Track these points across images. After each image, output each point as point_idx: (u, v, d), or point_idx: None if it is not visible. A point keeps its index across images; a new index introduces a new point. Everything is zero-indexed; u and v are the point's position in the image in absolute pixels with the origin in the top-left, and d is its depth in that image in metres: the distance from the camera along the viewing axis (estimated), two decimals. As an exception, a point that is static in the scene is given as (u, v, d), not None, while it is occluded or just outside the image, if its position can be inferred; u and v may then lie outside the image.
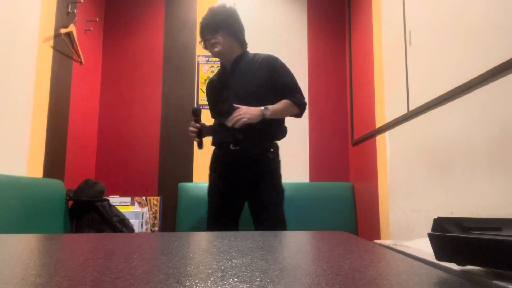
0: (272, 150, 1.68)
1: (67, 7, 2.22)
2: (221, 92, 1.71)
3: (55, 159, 2.08)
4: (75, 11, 2.28)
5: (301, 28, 2.87)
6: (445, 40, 1.39)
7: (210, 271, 0.44)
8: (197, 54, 2.80)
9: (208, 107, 1.90)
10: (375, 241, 1.37)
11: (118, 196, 2.53)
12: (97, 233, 1.74)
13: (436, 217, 0.66)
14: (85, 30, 2.47)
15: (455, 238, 0.59)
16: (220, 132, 1.68)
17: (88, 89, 2.56)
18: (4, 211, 1.45)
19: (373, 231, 2.21)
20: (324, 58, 2.86)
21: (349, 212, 2.55)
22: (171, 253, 0.56)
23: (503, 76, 1.08)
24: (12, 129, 1.71)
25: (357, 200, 2.57)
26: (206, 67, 2.79)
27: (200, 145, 1.69)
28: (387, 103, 2.00)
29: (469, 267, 0.64)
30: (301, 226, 2.40)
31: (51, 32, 2.04)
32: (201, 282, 0.38)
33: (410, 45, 1.72)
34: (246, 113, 1.51)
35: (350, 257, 0.53)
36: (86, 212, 1.85)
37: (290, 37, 2.85)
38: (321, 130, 2.78)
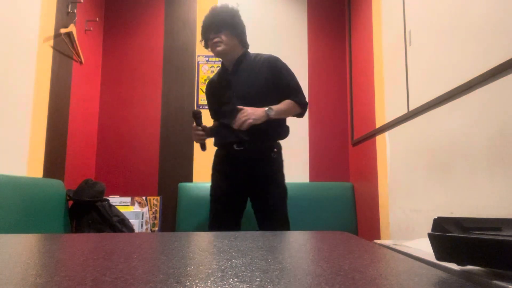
0: (275, 149, 1.69)
1: (67, 7, 2.22)
2: (223, 93, 1.70)
3: (55, 159, 2.08)
4: (75, 11, 2.28)
5: (301, 28, 2.87)
6: (445, 40, 1.39)
7: (210, 271, 0.44)
8: (197, 54, 2.80)
9: (207, 107, 1.90)
10: (375, 241, 1.37)
11: (118, 196, 2.53)
12: (97, 233, 1.74)
13: (436, 217, 0.66)
14: (85, 30, 2.48)
15: (455, 238, 0.59)
16: (223, 133, 1.67)
17: (88, 89, 2.56)
18: (4, 211, 1.45)
19: (373, 231, 2.21)
20: (324, 58, 2.86)
21: (349, 212, 2.55)
22: (171, 253, 0.56)
23: (503, 76, 1.08)
24: (12, 129, 1.71)
25: (357, 200, 2.57)
26: (206, 67, 2.79)
27: (204, 147, 1.68)
28: (387, 103, 2.00)
29: (469, 267, 0.64)
30: (301, 226, 2.40)
31: (51, 32, 2.04)
32: (201, 282, 0.38)
33: (410, 45, 1.72)
34: (251, 114, 1.50)
35: (350, 257, 0.53)
36: (86, 212, 1.85)
37: (290, 37, 2.85)
38: (321, 130, 2.78)
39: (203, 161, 2.67)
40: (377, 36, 2.19)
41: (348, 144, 2.77)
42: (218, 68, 1.88)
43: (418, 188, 1.61)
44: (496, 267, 0.57)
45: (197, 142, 1.69)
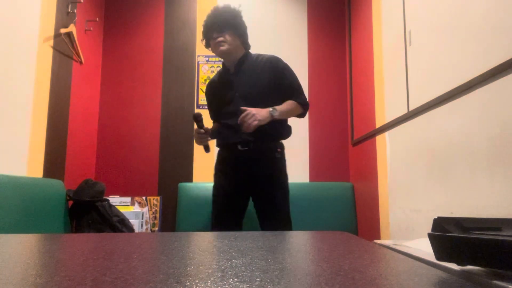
0: (279, 149, 1.69)
1: (67, 7, 2.22)
2: (225, 93, 1.69)
3: (55, 159, 2.08)
4: (75, 11, 2.28)
5: (301, 28, 2.87)
6: (445, 40, 1.39)
7: (210, 271, 0.44)
8: (197, 54, 2.80)
9: (206, 107, 1.89)
10: (375, 241, 1.37)
11: (118, 196, 2.53)
12: (97, 233, 1.74)
13: (436, 217, 0.66)
14: (85, 30, 2.48)
15: (455, 238, 0.59)
16: (226, 133, 1.67)
17: (88, 89, 2.56)
18: (4, 211, 1.45)
19: (373, 231, 2.21)
20: (324, 58, 2.86)
21: (349, 212, 2.55)
22: (171, 253, 0.56)
23: (503, 76, 1.08)
24: (12, 129, 1.71)
25: (357, 200, 2.57)
26: (206, 67, 2.79)
27: (207, 149, 1.67)
28: (387, 103, 2.00)
29: (469, 267, 0.64)
30: (301, 226, 2.40)
31: (51, 32, 2.04)
32: (201, 282, 0.38)
33: (410, 45, 1.72)
34: (257, 115, 1.49)
35: (350, 257, 0.53)
36: (86, 212, 1.85)
37: (290, 37, 2.85)
38: (321, 130, 2.78)
39: (203, 161, 2.68)
40: (377, 36, 2.19)
41: (348, 144, 2.77)
42: (219, 69, 1.87)
43: (418, 188, 1.61)
44: (496, 267, 0.57)
45: (200, 144, 1.67)
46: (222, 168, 1.73)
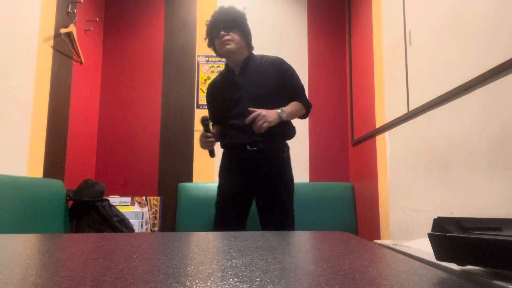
0: (286, 149, 1.71)
1: (67, 7, 2.22)
2: (231, 94, 1.68)
3: (55, 159, 2.08)
4: (75, 11, 2.28)
5: (301, 28, 2.87)
6: (445, 40, 1.39)
7: (210, 271, 0.44)
8: (197, 54, 2.80)
9: (206, 107, 1.88)
10: (375, 241, 1.37)
11: (118, 196, 2.53)
12: (97, 233, 1.74)
13: (436, 217, 0.66)
14: (85, 30, 2.48)
15: (455, 238, 0.59)
16: (233, 134, 1.66)
17: (88, 89, 2.56)
18: (4, 211, 1.45)
19: (373, 231, 2.21)
20: (324, 58, 2.86)
21: (349, 212, 2.55)
22: (171, 253, 0.56)
23: (503, 76, 1.08)
24: (12, 129, 1.71)
25: (357, 200, 2.57)
26: (206, 67, 2.79)
27: (213, 154, 1.65)
28: (387, 103, 2.00)
29: (469, 267, 0.64)
30: (301, 226, 2.40)
31: (51, 32, 2.04)
32: (201, 282, 0.38)
33: (410, 45, 1.72)
34: (267, 116, 1.50)
35: (350, 257, 0.53)
36: (86, 212, 1.85)
37: (290, 37, 2.85)
38: (321, 130, 2.78)
39: (203, 161, 2.68)
40: (377, 36, 2.19)
41: (348, 144, 2.77)
42: (221, 69, 1.87)
43: (418, 188, 1.61)
44: (496, 267, 0.57)
45: (205, 149, 1.66)
46: (230, 168, 1.71)
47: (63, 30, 2.12)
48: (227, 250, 0.60)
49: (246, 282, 0.38)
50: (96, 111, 2.70)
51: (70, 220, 1.89)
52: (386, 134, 2.01)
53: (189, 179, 2.66)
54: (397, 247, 1.04)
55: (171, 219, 2.61)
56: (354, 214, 2.55)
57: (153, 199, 2.57)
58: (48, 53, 2.01)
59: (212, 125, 1.81)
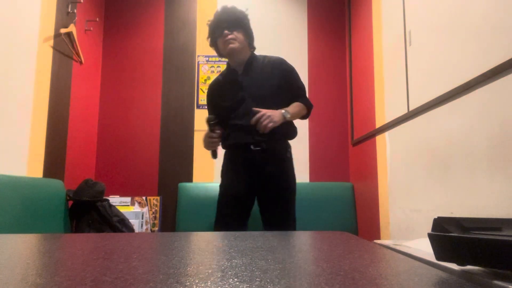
0: (289, 149, 1.72)
1: (67, 7, 2.22)
2: (234, 94, 1.68)
3: (55, 159, 2.08)
4: (75, 11, 2.28)
5: (301, 28, 2.87)
6: (445, 40, 1.39)
7: (210, 271, 0.44)
8: (197, 54, 2.80)
9: (206, 107, 1.88)
10: (375, 241, 1.37)
11: (118, 196, 2.53)
12: (97, 233, 1.74)
13: (436, 217, 0.66)
14: (85, 30, 2.48)
15: (455, 238, 0.59)
16: (236, 134, 1.66)
17: (88, 89, 2.56)
18: (4, 211, 1.45)
19: (373, 231, 2.21)
20: (324, 58, 2.86)
21: (349, 212, 2.55)
22: (171, 253, 0.56)
23: (503, 76, 1.08)
24: (12, 129, 1.71)
25: (357, 200, 2.57)
26: (206, 67, 2.79)
27: (215, 155, 1.66)
28: (387, 103, 2.00)
29: (469, 267, 0.64)
30: (301, 226, 2.40)
31: (51, 32, 2.04)
32: (201, 282, 0.38)
33: (410, 45, 1.72)
34: (272, 116, 1.51)
35: (350, 257, 0.53)
36: (86, 212, 1.84)
37: (290, 37, 2.85)
38: (321, 130, 2.78)
39: (203, 161, 2.68)
40: (377, 36, 2.19)
41: (348, 144, 2.77)
42: (222, 70, 1.87)
43: (418, 188, 1.61)
44: (496, 267, 0.57)
45: (209, 149, 1.66)
46: (233, 168, 1.71)
47: (63, 30, 2.12)
48: (227, 250, 0.60)
49: (246, 282, 0.38)
50: (96, 111, 2.70)
51: (70, 220, 1.89)
52: (386, 134, 2.01)
53: (189, 179, 2.66)
54: (397, 247, 1.04)
55: (171, 219, 2.61)
56: (354, 214, 2.55)
57: (153, 199, 2.57)
58: (48, 53, 2.01)
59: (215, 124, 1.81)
